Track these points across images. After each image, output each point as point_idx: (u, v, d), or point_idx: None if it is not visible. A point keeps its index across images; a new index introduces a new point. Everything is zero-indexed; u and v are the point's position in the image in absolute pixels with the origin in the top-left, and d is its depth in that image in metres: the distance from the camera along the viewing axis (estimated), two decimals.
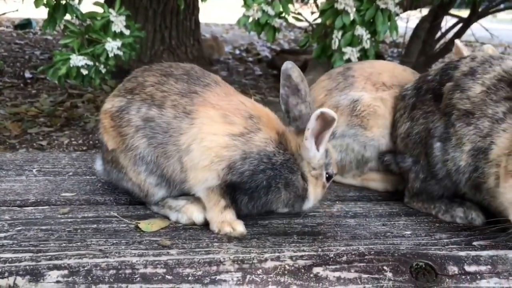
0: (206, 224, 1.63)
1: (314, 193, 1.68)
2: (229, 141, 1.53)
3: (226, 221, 1.58)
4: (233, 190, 1.58)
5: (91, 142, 4.60)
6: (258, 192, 1.58)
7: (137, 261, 1.38)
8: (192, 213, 1.65)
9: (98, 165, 1.84)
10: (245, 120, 1.58)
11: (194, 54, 6.84)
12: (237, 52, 9.45)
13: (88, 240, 1.48)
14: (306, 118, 1.62)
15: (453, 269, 1.44)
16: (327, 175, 1.70)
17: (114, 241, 1.49)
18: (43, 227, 1.57)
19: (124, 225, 1.62)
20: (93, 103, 5.52)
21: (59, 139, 4.61)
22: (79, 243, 1.46)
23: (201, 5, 6.89)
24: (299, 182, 1.63)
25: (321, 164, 1.66)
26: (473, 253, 1.50)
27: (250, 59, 8.79)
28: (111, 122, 1.65)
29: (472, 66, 1.69)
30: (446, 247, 1.53)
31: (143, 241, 1.50)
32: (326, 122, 1.54)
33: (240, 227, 1.57)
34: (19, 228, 1.55)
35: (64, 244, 1.45)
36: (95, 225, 1.60)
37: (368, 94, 1.98)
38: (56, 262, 1.35)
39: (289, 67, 1.65)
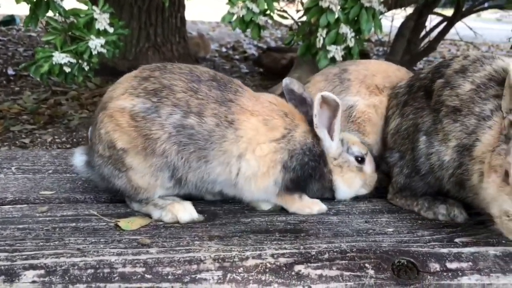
0: (188, 223, 1.62)
1: (344, 180, 1.80)
2: (276, 145, 1.66)
3: (306, 204, 1.75)
4: (294, 183, 1.70)
5: (74, 140, 4.54)
6: (306, 180, 1.73)
7: (115, 260, 1.35)
8: (178, 211, 1.64)
9: (79, 160, 1.79)
10: (282, 119, 1.70)
11: (180, 51, 6.79)
12: (224, 50, 9.41)
13: (66, 239, 1.46)
14: None
15: (434, 266, 1.44)
16: (359, 159, 1.81)
17: (93, 240, 1.46)
18: (20, 226, 1.54)
19: (104, 223, 1.59)
20: (77, 101, 5.46)
21: (42, 137, 4.54)
22: (56, 242, 1.43)
23: (187, 2, 6.85)
24: (327, 174, 1.78)
25: (339, 152, 1.79)
26: (455, 250, 1.50)
27: (237, 57, 8.76)
28: (132, 121, 1.60)
29: (464, 64, 1.70)
30: (428, 244, 1.53)
31: (122, 239, 1.48)
32: (331, 107, 1.69)
33: (316, 206, 1.75)
34: None
35: (41, 243, 1.42)
36: (74, 224, 1.58)
37: (362, 99, 1.98)
38: (32, 261, 1.32)
39: (288, 82, 1.83)
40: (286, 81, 1.83)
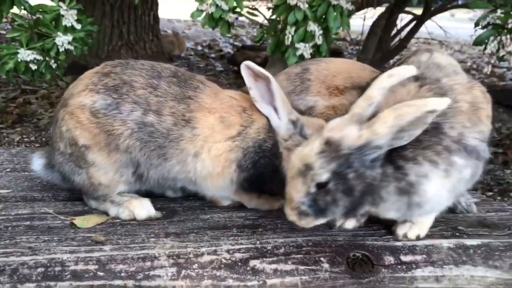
0: (145, 220, 1.61)
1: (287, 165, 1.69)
2: (231, 144, 1.64)
3: (265, 201, 1.74)
4: (249, 182, 1.69)
5: (44, 139, 4.46)
6: (260, 179, 1.69)
7: (67, 258, 1.33)
8: (135, 208, 1.63)
9: (36, 164, 1.76)
10: (239, 115, 1.68)
11: (153, 49, 6.74)
12: (199, 48, 9.37)
13: (18, 238, 1.43)
14: None
15: (389, 259, 1.45)
16: None
17: (46, 238, 1.44)
18: None
19: (59, 221, 1.57)
20: (47, 100, 5.36)
21: (10, 136, 4.46)
22: (7, 241, 1.41)
23: (160, 0, 6.81)
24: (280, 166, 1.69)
25: (290, 134, 1.69)
26: (409, 243, 1.51)
27: (213, 55, 8.73)
28: (93, 118, 1.59)
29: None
30: (383, 237, 1.54)
31: (76, 237, 1.46)
32: (265, 81, 1.63)
33: (277, 202, 1.71)
34: None
35: None
36: (28, 222, 1.55)
37: (321, 100, 1.97)
38: None
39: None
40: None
